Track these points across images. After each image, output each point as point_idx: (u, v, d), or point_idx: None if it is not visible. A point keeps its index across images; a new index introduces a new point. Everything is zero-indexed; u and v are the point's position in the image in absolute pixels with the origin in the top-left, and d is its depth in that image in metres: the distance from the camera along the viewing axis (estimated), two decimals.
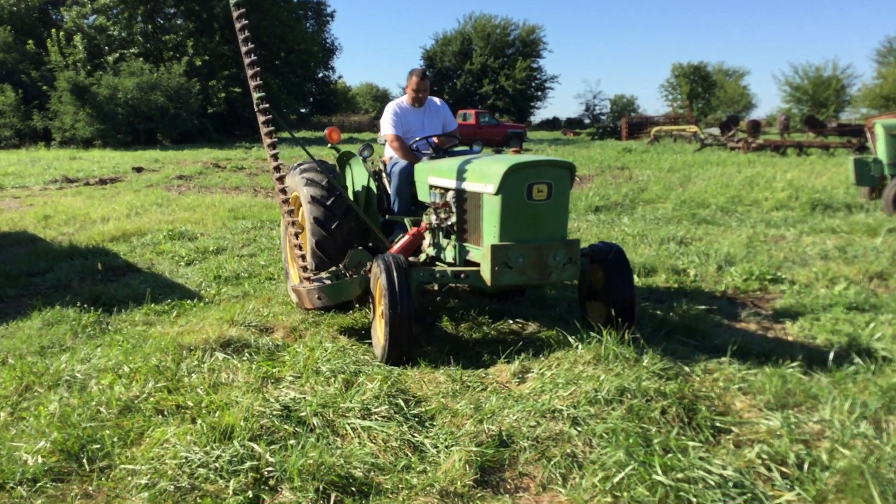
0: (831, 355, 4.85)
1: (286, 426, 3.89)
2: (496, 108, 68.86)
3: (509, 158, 5.06)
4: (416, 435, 3.85)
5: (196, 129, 42.48)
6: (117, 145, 36.54)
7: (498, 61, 72.58)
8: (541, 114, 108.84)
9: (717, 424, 3.93)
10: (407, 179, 6.31)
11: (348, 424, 3.93)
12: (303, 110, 61.80)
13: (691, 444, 3.64)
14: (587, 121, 78.96)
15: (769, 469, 3.42)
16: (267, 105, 5.48)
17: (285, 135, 26.23)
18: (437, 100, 6.96)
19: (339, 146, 6.80)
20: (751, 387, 4.38)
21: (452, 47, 74.65)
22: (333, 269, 5.94)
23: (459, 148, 6.73)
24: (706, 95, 79.87)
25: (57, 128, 38.11)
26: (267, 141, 5.58)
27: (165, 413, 4.15)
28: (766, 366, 4.72)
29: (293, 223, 5.68)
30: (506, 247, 4.90)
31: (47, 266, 8.30)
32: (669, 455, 3.50)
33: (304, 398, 4.24)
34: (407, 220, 6.18)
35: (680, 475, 3.33)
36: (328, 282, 5.66)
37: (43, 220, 11.90)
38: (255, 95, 5.49)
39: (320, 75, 62.62)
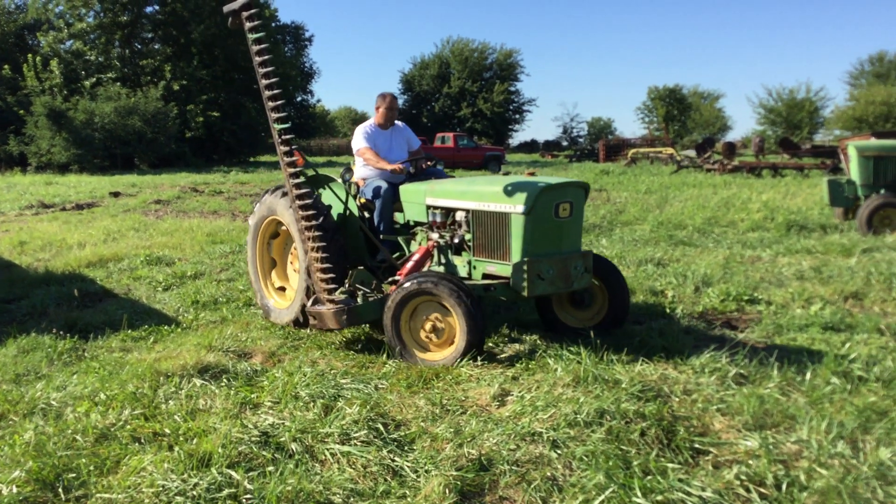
0: (808, 375, 4.89)
1: (265, 453, 3.86)
2: (474, 130, 69.21)
3: (535, 181, 5.64)
4: (395, 459, 3.83)
5: (174, 153, 42.28)
6: (94, 170, 36.24)
7: (476, 85, 73.00)
8: (519, 136, 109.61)
9: (696, 446, 3.94)
10: (391, 200, 6.67)
11: (327, 450, 3.91)
12: None
13: (670, 465, 3.65)
14: (565, 143, 79.59)
15: (748, 490, 3.44)
16: (291, 135, 5.84)
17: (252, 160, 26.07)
18: (399, 122, 7.41)
19: (317, 169, 6.86)
20: (729, 407, 4.40)
21: (430, 71, 75.05)
22: (342, 288, 5.91)
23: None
24: (682, 118, 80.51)
25: (33, 153, 37.77)
26: (289, 171, 5.84)
27: (142, 441, 4.10)
28: (743, 386, 4.76)
29: (319, 248, 5.78)
30: (538, 261, 5.44)
31: (23, 292, 8.21)
32: (649, 477, 3.51)
33: (283, 424, 4.22)
34: (401, 239, 6.66)
35: (659, 497, 3.34)
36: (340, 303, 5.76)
37: (18, 245, 11.77)
38: (277, 127, 5.78)
39: (299, 99, 62.66)
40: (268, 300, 7.00)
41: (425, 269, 6.13)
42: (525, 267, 5.40)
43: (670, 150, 38.11)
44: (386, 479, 3.65)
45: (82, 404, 4.58)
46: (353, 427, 4.14)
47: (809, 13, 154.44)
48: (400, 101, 77.16)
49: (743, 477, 3.53)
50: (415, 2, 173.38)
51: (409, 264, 6.13)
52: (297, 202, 5.87)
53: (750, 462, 3.70)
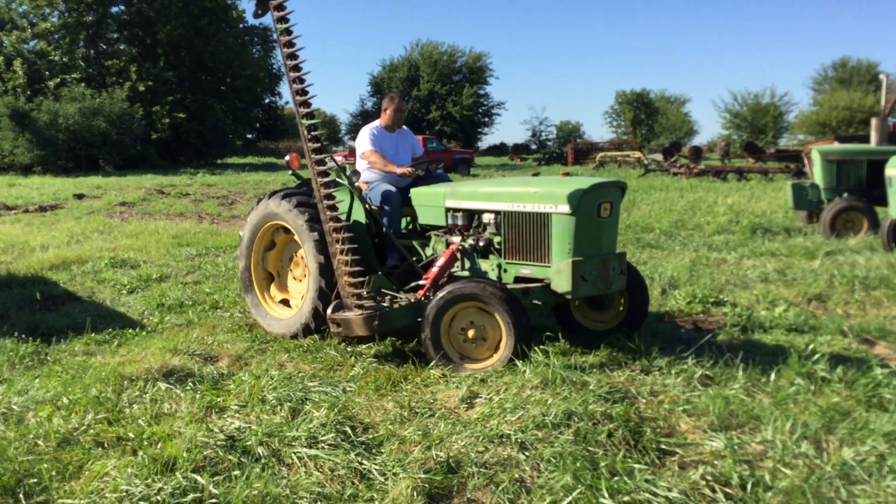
0: (773, 376, 4.94)
1: (230, 457, 3.82)
2: (444, 133, 69.27)
3: (577, 181, 5.52)
4: (363, 463, 3.81)
5: (139, 154, 41.83)
6: (58, 172, 35.70)
7: (445, 88, 73.11)
8: (488, 139, 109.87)
9: (663, 446, 3.96)
10: (400, 204, 6.45)
11: (294, 453, 3.88)
12: (249, 136, 61.42)
13: (637, 466, 3.67)
14: (534, 146, 79.86)
15: (713, 490, 3.46)
16: (322, 132, 5.68)
17: (244, 161, 25.89)
18: (403, 126, 7.25)
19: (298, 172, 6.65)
20: (695, 408, 4.44)
21: (400, 74, 74.99)
22: (365, 294, 5.64)
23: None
24: (649, 122, 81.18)
25: None
26: (317, 169, 5.69)
27: (105, 445, 4.05)
28: (709, 387, 4.79)
29: (348, 250, 5.59)
30: (582, 262, 5.28)
31: None
32: (616, 478, 3.52)
33: (250, 427, 4.18)
34: (416, 243, 6.44)
35: (626, 498, 3.35)
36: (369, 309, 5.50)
37: None
38: (305, 122, 5.64)
39: (267, 101, 62.27)
40: (262, 305, 6.72)
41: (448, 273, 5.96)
42: (569, 268, 5.24)
43: (638, 154, 38.50)
44: (353, 483, 3.63)
45: (44, 409, 4.50)
46: (321, 430, 4.11)
47: (774, 19, 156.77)
48: (368, 105, 77.57)
49: (708, 477, 3.55)
50: (384, 4, 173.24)
51: (435, 269, 5.81)
52: (325, 202, 5.70)
53: (715, 462, 3.73)
